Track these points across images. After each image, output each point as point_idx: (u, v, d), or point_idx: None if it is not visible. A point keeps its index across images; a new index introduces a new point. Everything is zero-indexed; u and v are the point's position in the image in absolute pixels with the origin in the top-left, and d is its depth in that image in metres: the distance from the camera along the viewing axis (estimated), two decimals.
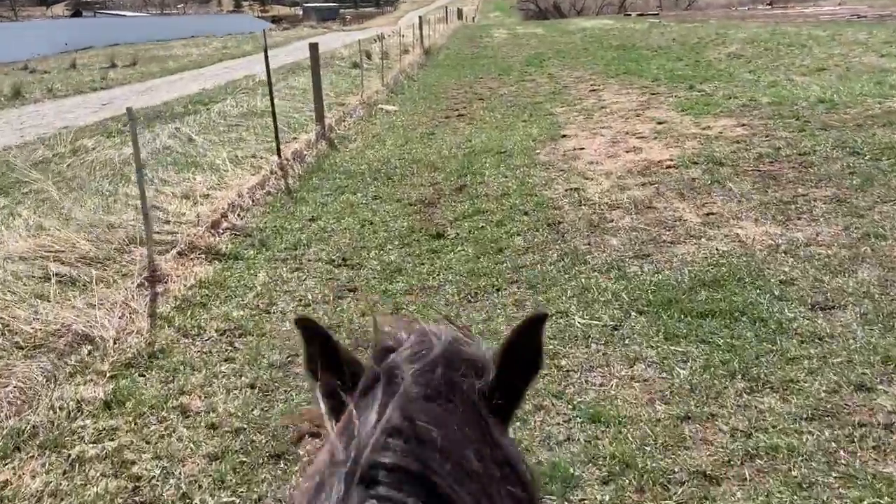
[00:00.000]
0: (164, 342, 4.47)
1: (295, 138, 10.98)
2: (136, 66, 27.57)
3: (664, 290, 4.72)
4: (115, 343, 4.32)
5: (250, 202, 7.21)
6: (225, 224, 6.52)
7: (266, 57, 8.48)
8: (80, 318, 4.52)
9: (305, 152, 9.43)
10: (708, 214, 6.17)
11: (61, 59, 32.32)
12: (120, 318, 4.61)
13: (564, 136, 9.97)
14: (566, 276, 5.12)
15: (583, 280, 5.00)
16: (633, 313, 4.45)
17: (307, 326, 0.90)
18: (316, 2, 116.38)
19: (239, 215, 6.88)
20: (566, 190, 7.25)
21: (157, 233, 6.31)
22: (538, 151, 9.10)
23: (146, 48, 37.51)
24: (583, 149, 9.04)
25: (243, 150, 10.17)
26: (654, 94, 13.01)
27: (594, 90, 14.43)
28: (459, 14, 62.52)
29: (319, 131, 10.44)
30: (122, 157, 10.53)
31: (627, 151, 8.64)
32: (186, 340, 4.54)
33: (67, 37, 37.98)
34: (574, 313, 4.51)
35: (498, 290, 4.99)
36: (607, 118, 11.01)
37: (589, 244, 5.69)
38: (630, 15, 60.83)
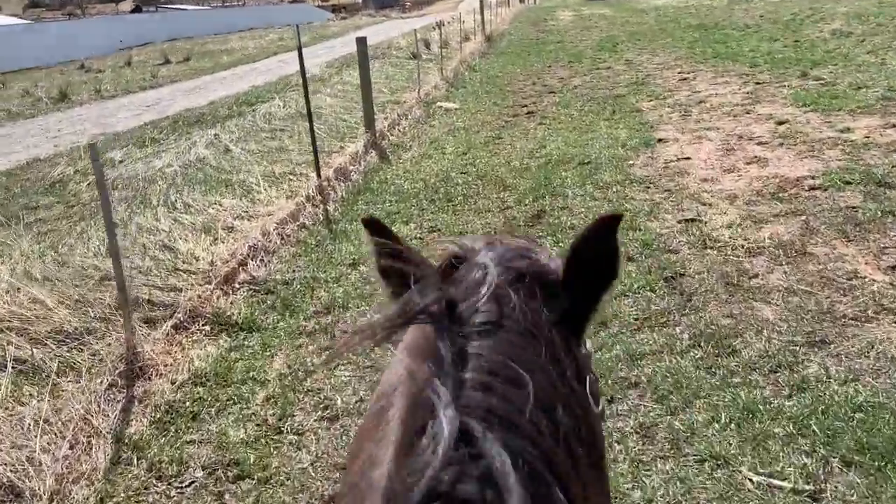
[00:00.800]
0: (124, 494, 3.06)
1: (342, 147, 9.54)
2: (190, 61, 26.70)
3: (874, 416, 3.04)
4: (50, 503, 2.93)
5: (278, 241, 5.78)
6: (242, 275, 5.10)
7: (301, 59, 7.01)
8: (15, 449, 3.16)
9: (351, 167, 7.97)
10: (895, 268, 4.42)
11: (118, 56, 31.84)
12: (71, 448, 3.22)
13: (661, 140, 8.22)
14: (710, 379, 3.47)
15: (739, 390, 3.35)
16: (837, 464, 2.80)
17: (374, 227, 0.90)
18: None
19: (262, 260, 5.44)
20: (680, 222, 5.57)
21: (159, 287, 4.97)
22: (631, 162, 7.40)
23: (203, 42, 36.85)
24: (688, 158, 7.29)
25: (282, 164, 8.78)
26: (758, 83, 11.05)
27: (684, 79, 12.53)
28: None
29: (369, 140, 8.96)
30: (149, 172, 9.32)
31: (748, 163, 6.86)
32: (159, 486, 3.12)
33: (125, 33, 37.58)
34: (739, 460, 2.88)
35: (610, 400, 3.39)
36: (709, 116, 9.19)
37: (732, 317, 4.02)
38: None
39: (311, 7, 72.76)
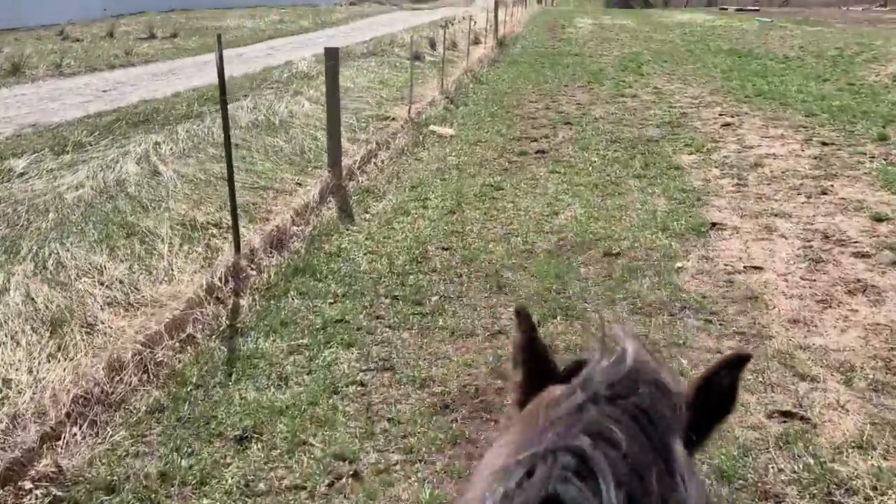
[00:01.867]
0: None
1: (299, 184, 7.40)
2: (176, 38, 24.37)
3: None
4: None
5: (135, 378, 3.66)
6: (43, 463, 3.00)
7: (222, 83, 4.86)
8: None
9: (295, 228, 5.83)
10: None
11: (104, 24, 29.46)
12: None
13: (715, 224, 6.12)
14: None
15: None
16: None
17: (524, 317, 0.93)
18: None
19: (93, 424, 3.32)
20: (771, 416, 3.46)
21: None
22: (680, 265, 5.29)
23: (200, 16, 34.48)
24: (760, 269, 5.19)
25: (212, 205, 6.63)
26: (825, 143, 8.93)
27: (727, 124, 10.41)
28: None
29: (329, 184, 6.81)
30: (47, 195, 7.24)
31: (850, 292, 4.74)
32: None
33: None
34: None
35: None
36: (773, 190, 7.07)
37: None
38: (727, 9, 55.59)
39: None
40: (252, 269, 5.00)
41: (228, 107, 13.20)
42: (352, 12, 36.84)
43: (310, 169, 8.17)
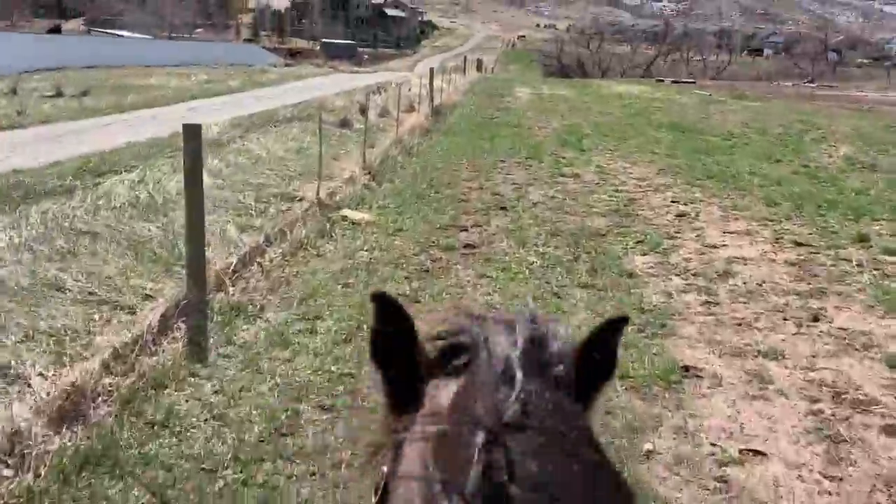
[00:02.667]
0: None
1: (147, 298, 5.64)
2: (87, 97, 22.36)
3: None
4: None
5: None
6: None
7: None
8: None
9: (107, 383, 4.05)
10: None
11: (11, 80, 27.25)
12: None
13: (688, 370, 4.62)
14: None
15: None
16: None
17: (385, 303, 0.80)
18: (334, 38, 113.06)
19: None
20: None
21: None
22: (648, 446, 3.74)
23: (124, 73, 32.45)
24: (761, 455, 3.64)
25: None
26: (800, 243, 7.68)
27: (682, 215, 9.16)
28: (479, 65, 58.23)
29: (181, 302, 5.07)
30: None
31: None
32: None
33: (39, 54, 32.99)
34: None
35: None
36: (753, 314, 5.60)
37: None
38: (663, 81, 56.62)
39: (259, 49, 69.34)
40: (8, 465, 3.23)
41: (109, 181, 11.30)
42: (286, 73, 35.48)
43: (177, 268, 6.43)
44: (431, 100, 20.15)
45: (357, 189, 10.41)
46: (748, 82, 49.45)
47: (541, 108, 25.19)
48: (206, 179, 10.34)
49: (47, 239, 7.23)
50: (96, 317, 5.25)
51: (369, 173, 11.49)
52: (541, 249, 7.51)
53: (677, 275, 6.65)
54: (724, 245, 7.63)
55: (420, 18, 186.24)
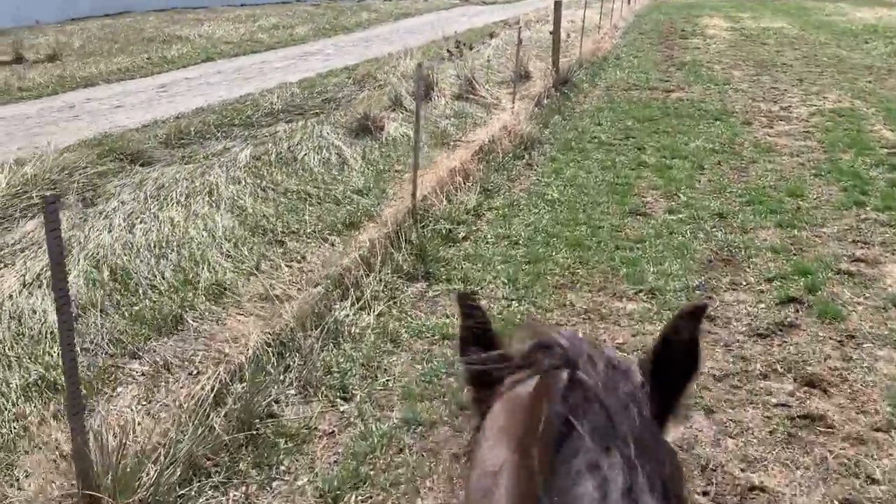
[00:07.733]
0: None
1: None
2: (57, 61, 15.27)
3: None
4: None
5: None
6: None
7: None
8: None
9: None
10: None
11: None
12: None
13: None
14: None
15: None
16: None
17: (467, 304, 0.87)
18: None
19: None
20: None
21: None
22: None
23: (140, 28, 22.70)
24: None
25: None
26: None
27: None
28: None
29: None
30: None
31: None
32: None
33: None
34: None
35: None
36: None
37: None
38: None
39: None
40: None
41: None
42: (388, 10, 27.18)
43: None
44: (555, 57, 11.40)
45: None
46: None
47: (749, 58, 15.61)
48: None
49: None
50: None
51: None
52: None
53: None
54: None
55: None
